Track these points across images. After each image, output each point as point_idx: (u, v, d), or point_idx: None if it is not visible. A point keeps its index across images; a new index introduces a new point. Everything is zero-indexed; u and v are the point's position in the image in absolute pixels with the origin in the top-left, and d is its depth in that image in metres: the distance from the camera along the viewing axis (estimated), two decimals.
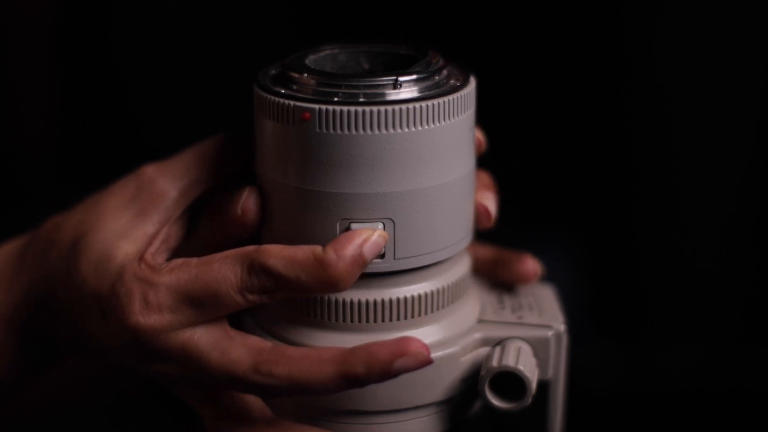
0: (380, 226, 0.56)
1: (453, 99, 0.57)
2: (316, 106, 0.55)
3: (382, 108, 0.55)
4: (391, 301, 0.58)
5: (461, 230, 0.60)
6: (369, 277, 0.57)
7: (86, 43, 1.41)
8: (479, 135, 0.62)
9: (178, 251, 0.60)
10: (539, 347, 0.61)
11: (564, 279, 1.31)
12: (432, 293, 0.59)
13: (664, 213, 1.34)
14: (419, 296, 0.58)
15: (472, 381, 0.59)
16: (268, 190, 0.59)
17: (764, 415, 1.28)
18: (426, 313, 0.59)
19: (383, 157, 0.56)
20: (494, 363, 0.58)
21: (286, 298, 0.57)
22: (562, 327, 0.61)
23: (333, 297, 0.58)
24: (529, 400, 0.58)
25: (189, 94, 1.37)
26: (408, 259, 0.58)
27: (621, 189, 1.34)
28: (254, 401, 0.59)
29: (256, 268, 0.55)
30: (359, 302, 0.58)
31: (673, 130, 1.31)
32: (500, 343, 0.60)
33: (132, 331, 0.56)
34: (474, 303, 0.62)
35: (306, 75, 0.57)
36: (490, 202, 0.62)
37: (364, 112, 0.55)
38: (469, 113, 0.58)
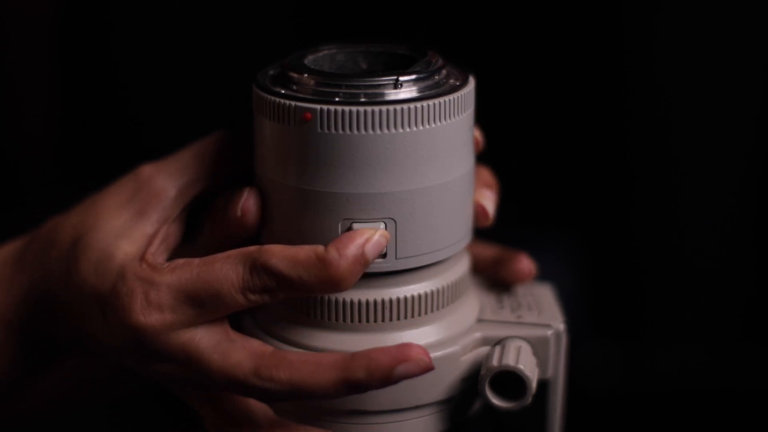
0: (382, 225, 0.56)
1: (454, 98, 0.57)
2: (318, 106, 0.55)
3: (384, 108, 0.55)
4: (391, 301, 0.58)
5: (461, 229, 0.60)
6: (370, 277, 0.57)
7: (86, 43, 1.41)
8: (477, 134, 0.62)
9: (178, 253, 0.60)
10: (539, 346, 0.61)
11: (564, 279, 1.31)
12: (432, 293, 0.59)
13: (664, 213, 1.34)
14: (419, 296, 0.58)
15: (472, 380, 0.59)
16: (268, 191, 0.58)
17: (764, 415, 1.28)
18: (426, 313, 0.59)
19: (385, 156, 0.56)
20: (494, 362, 0.58)
21: (287, 299, 0.57)
22: (561, 326, 0.61)
23: (333, 297, 0.58)
24: (529, 399, 0.58)
25: (189, 94, 1.37)
26: (409, 258, 0.58)
27: (621, 189, 1.34)
28: (256, 402, 0.59)
29: (258, 268, 0.55)
30: (359, 302, 0.58)
31: (673, 130, 1.31)
32: (500, 342, 0.60)
33: (133, 330, 0.56)
34: (473, 302, 0.62)
35: (306, 75, 0.57)
36: (488, 201, 0.62)
37: (366, 112, 0.55)
38: (469, 112, 0.59)
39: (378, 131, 0.55)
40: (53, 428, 0.91)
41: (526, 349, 0.60)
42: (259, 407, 0.59)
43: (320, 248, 0.55)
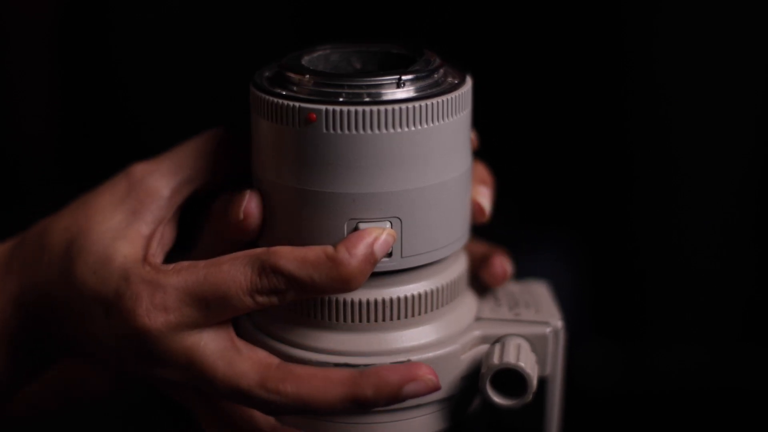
0: (388, 225, 0.56)
1: (456, 96, 0.57)
2: (323, 107, 0.55)
3: (390, 107, 0.55)
4: (391, 300, 0.58)
5: (463, 226, 0.60)
6: (372, 277, 0.57)
7: (86, 43, 1.41)
8: (472, 133, 0.62)
9: (172, 257, 0.59)
10: (537, 344, 0.61)
11: (564, 279, 1.31)
12: (432, 292, 0.59)
13: (664, 213, 1.34)
14: (419, 295, 0.58)
15: (471, 379, 0.59)
16: (269, 193, 0.58)
17: (764, 415, 1.28)
18: (427, 312, 0.59)
19: (391, 155, 0.56)
20: (495, 360, 0.58)
21: (294, 300, 0.57)
22: (559, 323, 0.61)
23: (334, 297, 0.58)
24: (530, 396, 0.58)
25: (189, 94, 1.37)
26: (414, 257, 0.58)
27: (621, 189, 1.34)
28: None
29: (266, 270, 0.55)
30: (359, 302, 0.58)
31: (673, 130, 1.31)
32: (499, 340, 0.60)
33: (137, 332, 0.56)
34: (471, 301, 0.62)
35: (308, 76, 0.57)
36: (484, 197, 0.62)
37: (371, 111, 0.55)
38: (469, 109, 0.59)
39: (384, 130, 0.55)
40: (53, 428, 0.91)
41: (525, 346, 0.60)
42: (262, 416, 0.58)
43: (329, 248, 0.55)
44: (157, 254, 0.58)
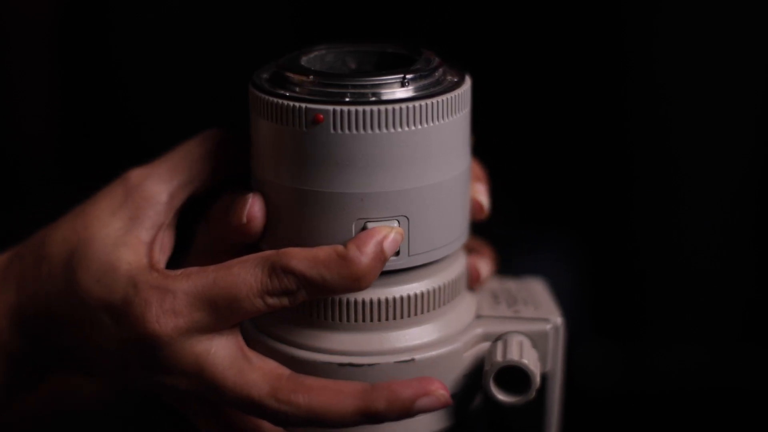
0: (395, 223, 0.57)
1: (459, 94, 0.57)
2: (330, 107, 0.55)
3: (397, 106, 0.55)
4: (395, 299, 0.58)
5: (464, 224, 0.60)
6: (379, 276, 0.57)
7: (86, 43, 1.41)
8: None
9: (174, 259, 0.59)
10: (538, 341, 0.61)
11: (564, 279, 1.32)
12: (436, 290, 0.59)
13: (664, 213, 1.34)
14: (421, 294, 0.59)
15: (473, 377, 0.60)
16: (271, 195, 0.58)
17: (764, 415, 1.28)
18: (429, 310, 0.59)
19: (399, 154, 0.56)
20: (498, 358, 0.58)
21: (304, 301, 0.56)
22: (559, 319, 0.61)
23: (338, 297, 0.58)
24: (533, 393, 0.58)
25: (189, 94, 1.37)
26: (421, 254, 0.58)
27: (621, 189, 1.34)
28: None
29: (277, 270, 0.54)
30: (362, 302, 0.58)
31: (673, 130, 1.31)
32: (501, 337, 0.60)
33: (147, 338, 0.55)
34: (471, 298, 0.62)
35: (311, 76, 0.57)
36: (482, 195, 0.62)
37: (379, 111, 0.55)
38: (469, 107, 0.59)
39: (392, 129, 0.55)
40: (53, 428, 0.91)
41: (526, 343, 0.60)
42: (269, 425, 0.58)
43: (339, 247, 0.55)
44: (161, 261, 0.58)
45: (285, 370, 0.56)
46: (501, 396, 0.59)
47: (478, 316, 0.62)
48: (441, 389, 0.56)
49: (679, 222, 1.33)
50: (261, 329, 0.60)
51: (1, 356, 0.60)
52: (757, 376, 1.31)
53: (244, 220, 0.58)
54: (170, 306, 0.55)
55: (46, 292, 0.58)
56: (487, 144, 0.64)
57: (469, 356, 0.60)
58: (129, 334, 0.56)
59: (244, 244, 0.59)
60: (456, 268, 0.60)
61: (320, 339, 0.58)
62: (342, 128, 0.55)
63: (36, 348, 0.60)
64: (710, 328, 1.34)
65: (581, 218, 1.35)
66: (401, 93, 0.56)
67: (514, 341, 0.60)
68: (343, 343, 0.58)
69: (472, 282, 0.63)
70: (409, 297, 0.58)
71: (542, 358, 0.61)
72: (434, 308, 0.59)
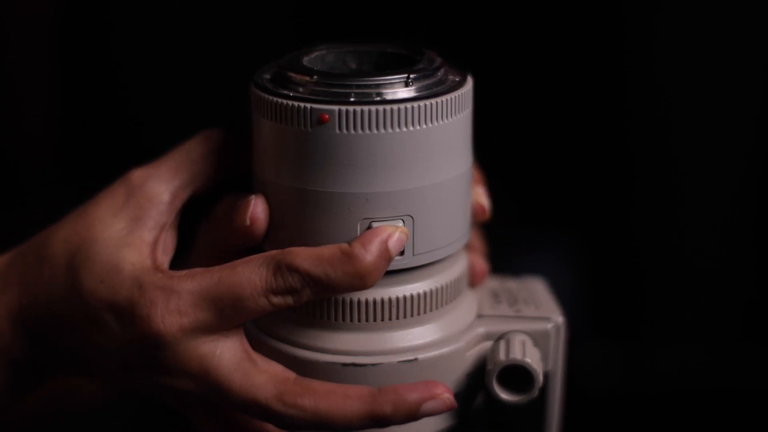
0: (400, 223, 0.57)
1: (462, 93, 0.57)
2: (335, 107, 0.55)
3: (402, 106, 0.55)
4: (398, 299, 0.58)
5: (467, 222, 0.60)
6: (383, 276, 0.57)
7: (86, 43, 1.41)
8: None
9: (176, 258, 0.59)
10: (540, 339, 0.61)
11: (564, 279, 1.32)
12: (438, 289, 0.59)
13: (664, 213, 1.34)
14: (426, 293, 0.59)
15: (476, 376, 0.60)
16: (273, 196, 0.58)
17: (764, 415, 1.28)
18: (432, 310, 0.59)
19: (403, 154, 0.56)
20: (501, 357, 0.58)
21: (309, 300, 0.56)
22: (560, 318, 0.62)
23: (341, 296, 0.58)
24: (536, 392, 0.59)
25: (189, 94, 1.37)
26: (425, 254, 0.58)
27: (621, 189, 1.34)
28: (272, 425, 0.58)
29: (282, 269, 0.54)
30: (365, 302, 0.58)
31: (673, 130, 1.31)
32: (503, 337, 0.60)
33: (151, 338, 0.55)
34: (472, 298, 0.62)
35: (315, 77, 0.56)
36: (482, 196, 0.63)
37: (384, 111, 0.55)
38: (471, 106, 0.59)
39: (397, 129, 0.55)
40: (53, 428, 0.91)
41: (529, 342, 0.60)
42: (273, 428, 0.58)
43: (344, 245, 0.55)
44: (164, 261, 0.58)
45: (291, 374, 0.56)
46: (504, 395, 0.59)
47: (480, 316, 0.62)
48: (446, 392, 0.56)
49: (679, 222, 1.33)
50: (264, 330, 0.60)
51: (2, 358, 0.60)
52: (757, 376, 1.31)
53: (248, 222, 0.58)
54: (175, 306, 0.55)
55: (47, 293, 0.58)
56: (487, 144, 0.64)
57: (471, 355, 0.60)
58: (133, 334, 0.55)
59: (246, 246, 0.58)
60: (458, 267, 0.60)
61: (323, 339, 0.58)
62: (347, 128, 0.55)
63: (37, 349, 0.60)
64: (710, 328, 1.34)
65: (581, 218, 1.35)
66: (405, 93, 0.56)
67: (517, 340, 0.60)
68: (346, 343, 0.58)
69: (477, 279, 0.63)
70: (412, 297, 0.58)
71: (544, 357, 0.61)
72: (437, 308, 0.59)
